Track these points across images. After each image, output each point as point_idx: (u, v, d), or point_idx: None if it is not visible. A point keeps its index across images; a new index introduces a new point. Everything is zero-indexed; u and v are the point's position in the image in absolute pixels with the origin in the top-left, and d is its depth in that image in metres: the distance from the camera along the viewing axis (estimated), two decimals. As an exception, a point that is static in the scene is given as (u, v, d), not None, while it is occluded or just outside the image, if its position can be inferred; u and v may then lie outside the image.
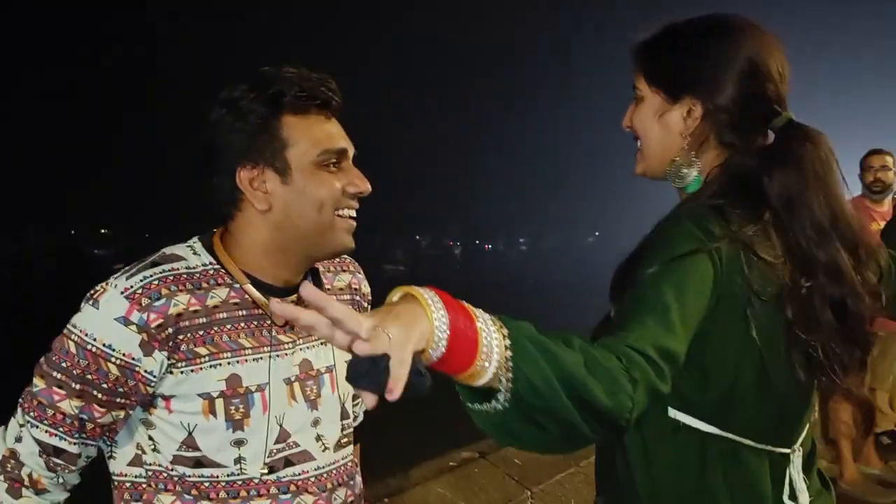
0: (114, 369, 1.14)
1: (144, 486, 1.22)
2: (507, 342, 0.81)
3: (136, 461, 1.22)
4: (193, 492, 1.20)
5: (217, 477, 1.20)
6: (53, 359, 1.16)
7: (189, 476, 1.19)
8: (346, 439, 1.36)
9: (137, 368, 1.14)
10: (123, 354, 1.13)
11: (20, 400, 1.18)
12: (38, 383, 1.16)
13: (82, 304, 1.17)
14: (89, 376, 1.14)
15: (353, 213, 1.27)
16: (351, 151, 1.26)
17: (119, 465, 1.24)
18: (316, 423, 1.29)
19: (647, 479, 1.14)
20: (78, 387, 1.14)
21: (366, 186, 1.26)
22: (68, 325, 1.17)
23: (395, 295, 0.80)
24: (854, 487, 4.38)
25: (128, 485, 1.23)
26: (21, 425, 1.17)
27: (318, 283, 1.36)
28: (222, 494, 1.20)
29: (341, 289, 1.42)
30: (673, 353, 0.95)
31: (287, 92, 1.20)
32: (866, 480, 4.43)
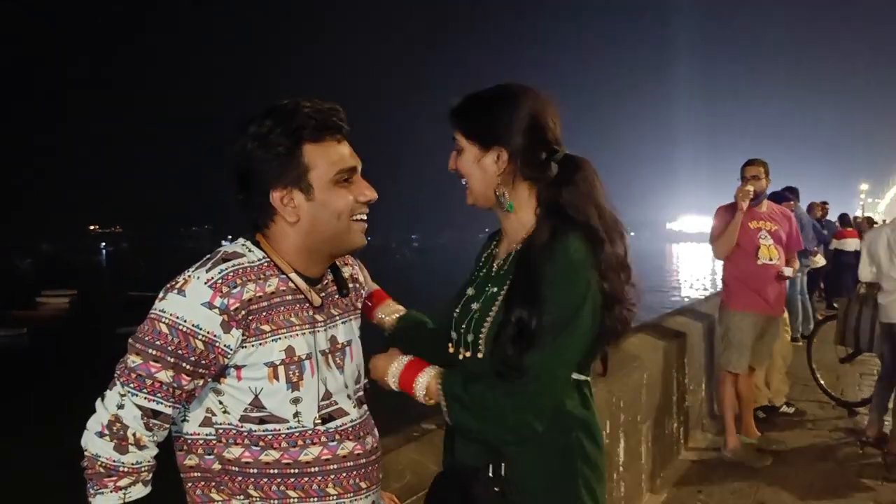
0: (199, 345, 1.37)
1: (215, 442, 1.46)
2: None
3: (206, 422, 1.46)
4: (261, 443, 1.45)
5: (279, 430, 1.45)
6: (147, 339, 1.37)
7: (255, 431, 1.44)
8: (364, 397, 1.66)
9: (218, 343, 1.38)
10: (208, 332, 1.37)
11: (116, 374, 1.39)
12: (135, 359, 1.37)
13: (166, 294, 1.40)
14: (180, 351, 1.36)
15: (365, 216, 1.56)
16: (359, 167, 1.55)
17: (192, 426, 1.47)
18: (346, 385, 1.57)
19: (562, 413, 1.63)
20: (172, 360, 1.36)
21: (373, 194, 1.53)
22: (156, 311, 1.39)
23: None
24: (735, 454, 4.97)
25: (201, 441, 1.47)
26: (122, 395, 1.37)
27: (336, 273, 1.65)
28: (284, 444, 1.46)
29: (346, 278, 1.70)
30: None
31: (306, 125, 1.45)
32: (746, 448, 5.02)
